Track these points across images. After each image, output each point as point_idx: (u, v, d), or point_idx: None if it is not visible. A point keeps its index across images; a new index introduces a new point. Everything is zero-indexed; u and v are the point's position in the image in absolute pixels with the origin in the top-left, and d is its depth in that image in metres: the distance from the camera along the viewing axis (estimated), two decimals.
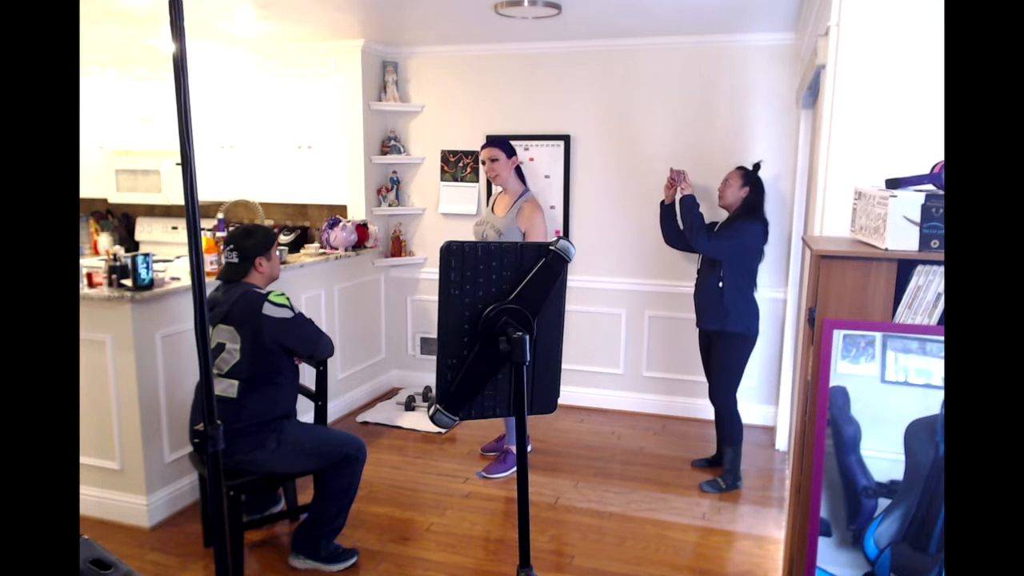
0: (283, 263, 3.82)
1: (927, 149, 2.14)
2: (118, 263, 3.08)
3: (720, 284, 3.45)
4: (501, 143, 3.62)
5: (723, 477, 3.56)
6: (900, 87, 2.18)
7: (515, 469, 3.76)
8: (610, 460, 3.88)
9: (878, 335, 1.87)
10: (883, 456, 1.87)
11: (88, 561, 1.27)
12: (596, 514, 3.29)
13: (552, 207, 4.57)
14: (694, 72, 4.23)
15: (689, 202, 3.48)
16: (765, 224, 3.47)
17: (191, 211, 1.33)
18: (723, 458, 3.61)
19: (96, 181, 5.21)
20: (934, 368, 1.83)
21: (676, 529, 3.16)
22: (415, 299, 5.03)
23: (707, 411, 4.48)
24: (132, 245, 5.46)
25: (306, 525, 2.82)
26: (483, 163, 3.64)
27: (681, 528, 3.17)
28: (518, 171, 3.67)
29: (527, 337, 1.43)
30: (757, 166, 3.57)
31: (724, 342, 3.50)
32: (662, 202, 3.70)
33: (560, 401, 1.87)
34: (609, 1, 3.45)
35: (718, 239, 3.42)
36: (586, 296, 4.62)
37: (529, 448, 4.06)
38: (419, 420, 4.38)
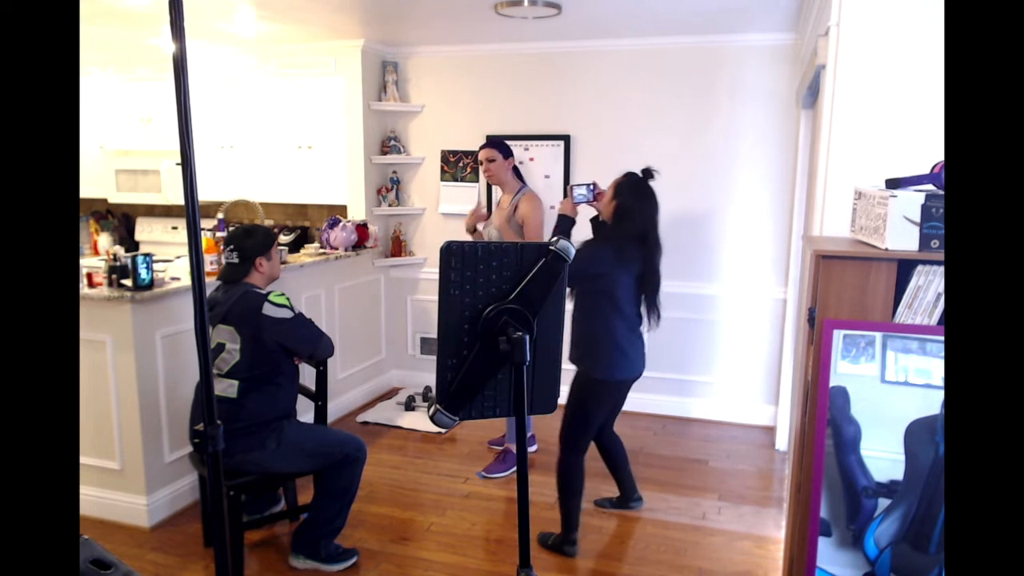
0: (283, 263, 3.82)
1: (927, 149, 2.14)
2: (118, 263, 3.07)
3: (581, 316, 2.89)
4: (498, 144, 3.62)
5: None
6: (900, 87, 2.18)
7: (515, 469, 3.76)
8: None
9: (878, 335, 1.87)
10: (883, 456, 1.87)
11: (88, 561, 1.27)
12: (596, 514, 3.28)
13: (552, 207, 4.57)
14: (694, 72, 4.23)
15: (561, 219, 3.00)
16: (638, 249, 2.79)
17: (191, 211, 1.32)
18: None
19: (96, 181, 5.21)
20: (934, 368, 1.83)
21: (676, 529, 3.16)
22: (415, 299, 5.03)
23: (706, 411, 4.49)
24: (132, 245, 5.46)
25: (306, 525, 2.82)
26: (481, 163, 3.64)
27: (681, 528, 3.17)
28: (515, 170, 3.68)
29: (527, 337, 1.43)
30: (646, 173, 2.87)
31: (577, 383, 2.90)
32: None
33: (560, 401, 1.87)
34: (609, 1, 3.45)
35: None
36: None
37: (535, 448, 4.05)
38: (419, 420, 4.38)
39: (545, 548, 2.99)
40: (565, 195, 3.14)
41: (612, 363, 2.83)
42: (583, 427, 2.91)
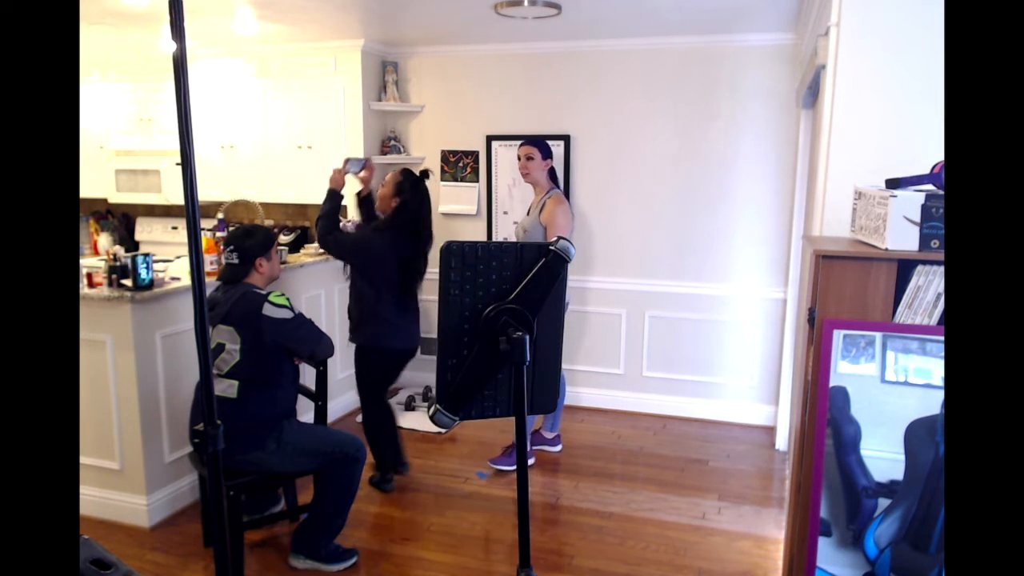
0: (283, 263, 3.82)
1: (927, 149, 2.14)
2: (118, 263, 3.08)
3: (355, 291, 3.39)
4: (539, 143, 3.66)
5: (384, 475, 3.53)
6: (900, 87, 2.18)
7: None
8: (610, 460, 3.88)
9: (878, 335, 1.87)
10: (883, 456, 1.87)
11: (88, 561, 1.27)
12: (596, 514, 3.28)
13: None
14: (694, 72, 4.23)
15: (331, 194, 3.37)
16: (411, 239, 3.31)
17: (191, 211, 1.32)
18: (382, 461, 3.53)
19: (96, 181, 5.21)
20: (934, 368, 1.83)
21: (676, 529, 3.16)
22: None
23: (706, 411, 4.50)
24: (132, 245, 5.46)
25: (306, 525, 2.82)
26: (519, 159, 3.67)
27: (681, 528, 3.17)
28: (552, 172, 3.70)
29: (527, 337, 1.44)
30: (424, 174, 3.37)
31: (356, 354, 3.44)
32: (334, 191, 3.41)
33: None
34: (609, 1, 3.45)
35: (332, 237, 3.29)
36: (586, 296, 4.61)
37: (559, 448, 4.01)
38: (419, 420, 4.38)
39: (372, 485, 3.49)
40: (344, 168, 3.49)
41: (381, 333, 3.32)
42: (368, 390, 3.43)
